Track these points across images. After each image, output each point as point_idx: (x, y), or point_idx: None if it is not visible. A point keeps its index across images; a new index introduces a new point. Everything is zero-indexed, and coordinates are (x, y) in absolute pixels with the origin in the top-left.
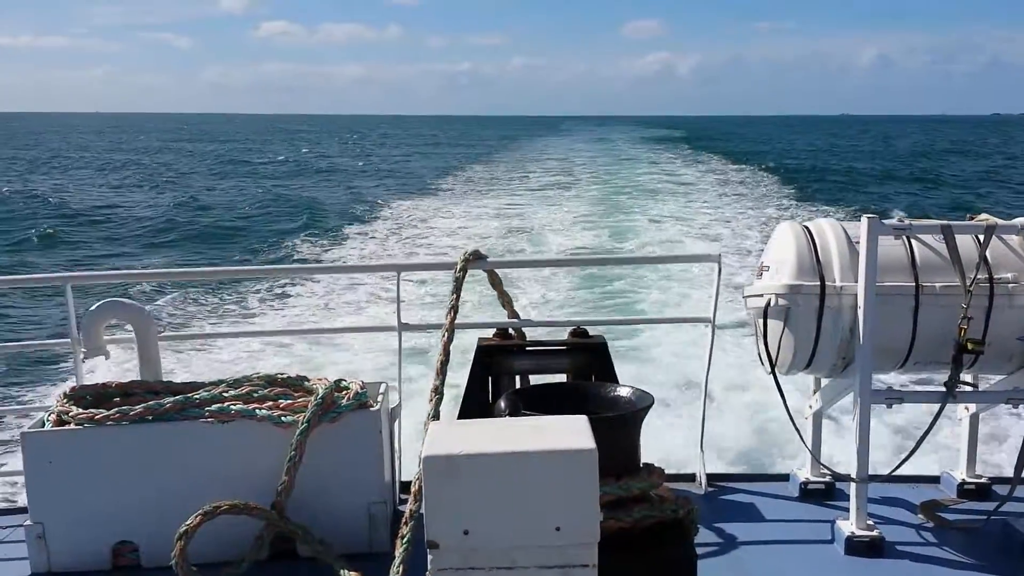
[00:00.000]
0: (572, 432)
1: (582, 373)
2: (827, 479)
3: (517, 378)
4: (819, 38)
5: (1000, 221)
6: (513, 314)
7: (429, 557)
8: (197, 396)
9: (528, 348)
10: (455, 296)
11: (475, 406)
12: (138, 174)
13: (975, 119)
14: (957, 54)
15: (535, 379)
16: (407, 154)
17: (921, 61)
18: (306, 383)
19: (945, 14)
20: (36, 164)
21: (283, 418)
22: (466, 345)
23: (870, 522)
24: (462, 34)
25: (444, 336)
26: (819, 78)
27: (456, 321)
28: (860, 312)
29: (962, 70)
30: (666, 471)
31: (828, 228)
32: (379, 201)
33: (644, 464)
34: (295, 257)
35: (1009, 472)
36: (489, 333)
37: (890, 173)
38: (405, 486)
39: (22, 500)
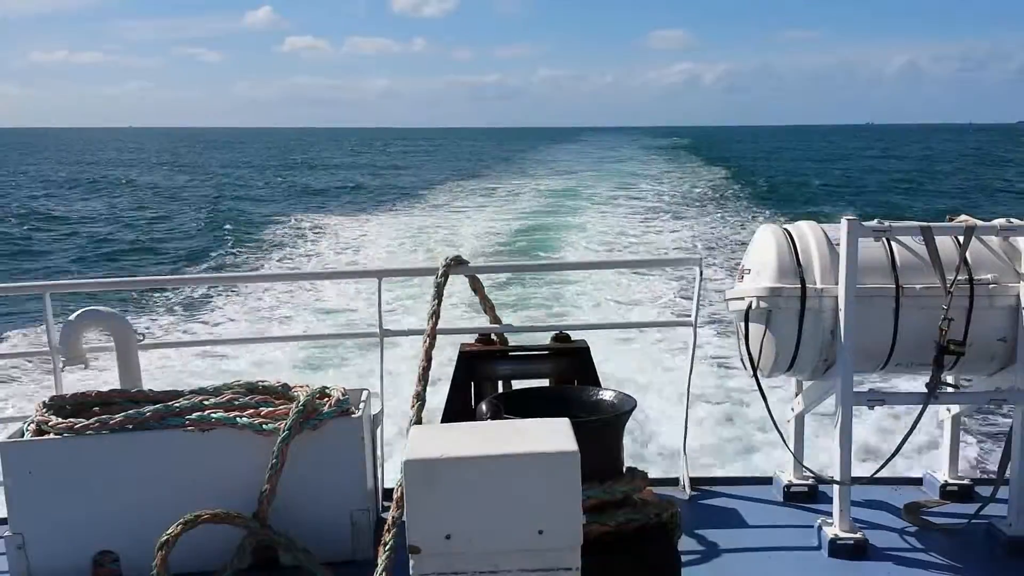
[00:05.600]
0: (554, 435)
1: (565, 377)
2: (810, 482)
3: (500, 383)
4: (847, 47)
5: (979, 222)
6: (495, 319)
7: (411, 562)
8: (177, 405)
9: (510, 353)
10: (436, 302)
11: (457, 412)
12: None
13: (1002, 127)
14: (986, 62)
15: (518, 384)
16: (400, 167)
17: (949, 69)
18: (287, 391)
19: (975, 22)
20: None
21: (264, 426)
22: (448, 351)
23: (854, 524)
24: (487, 46)
25: (426, 342)
26: (847, 87)
27: (438, 327)
28: (841, 314)
29: (991, 78)
30: (649, 475)
31: (808, 230)
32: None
33: (627, 468)
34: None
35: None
36: (471, 339)
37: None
38: (388, 493)
39: (1, 511)
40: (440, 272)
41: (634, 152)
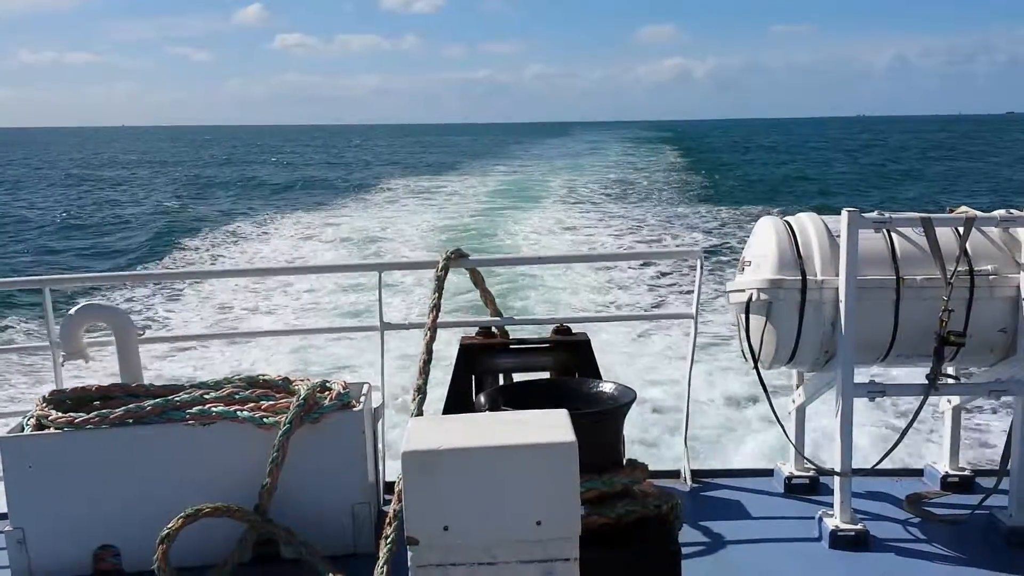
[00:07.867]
0: (552, 426)
1: (565, 370)
2: (811, 473)
3: (500, 376)
4: (837, 40)
5: (979, 213)
6: (496, 312)
7: (409, 554)
8: (178, 398)
9: (511, 346)
10: (437, 295)
11: (458, 405)
12: None
13: (990, 118)
14: (975, 54)
15: (518, 377)
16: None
17: (938, 62)
18: (288, 384)
19: (963, 15)
20: None
21: (265, 419)
22: (449, 344)
23: (855, 515)
24: (478, 43)
25: (427, 335)
26: (837, 80)
27: (438, 320)
28: (842, 306)
29: (980, 70)
30: (650, 467)
31: (809, 222)
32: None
33: (628, 460)
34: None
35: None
36: (472, 332)
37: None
38: (389, 486)
39: (1, 506)
40: (441, 265)
41: (612, 145)
